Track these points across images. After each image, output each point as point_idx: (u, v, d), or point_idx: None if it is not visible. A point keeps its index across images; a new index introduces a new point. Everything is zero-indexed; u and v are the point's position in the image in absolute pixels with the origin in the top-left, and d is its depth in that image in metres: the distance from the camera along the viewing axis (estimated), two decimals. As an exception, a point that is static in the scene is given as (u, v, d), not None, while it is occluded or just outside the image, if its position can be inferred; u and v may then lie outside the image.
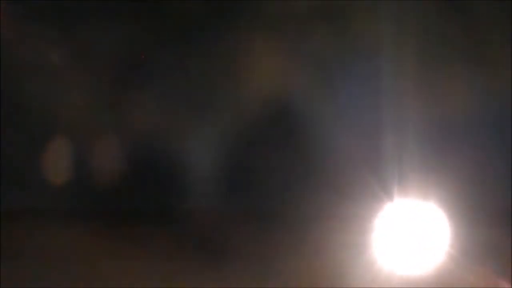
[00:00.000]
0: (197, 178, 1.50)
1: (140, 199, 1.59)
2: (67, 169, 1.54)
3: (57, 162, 1.55)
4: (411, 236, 1.17)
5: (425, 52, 1.32)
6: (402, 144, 1.23)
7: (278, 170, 1.37)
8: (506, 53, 1.26)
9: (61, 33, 1.69)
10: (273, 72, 1.47)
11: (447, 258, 1.16)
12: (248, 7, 1.48)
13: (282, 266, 1.33)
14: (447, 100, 1.29)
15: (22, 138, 1.58)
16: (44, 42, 1.75)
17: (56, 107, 1.65)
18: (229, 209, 1.42)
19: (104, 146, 1.68)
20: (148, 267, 1.60)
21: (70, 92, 1.71)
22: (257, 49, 1.48)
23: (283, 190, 1.35)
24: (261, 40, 1.47)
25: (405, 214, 1.17)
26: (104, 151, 1.67)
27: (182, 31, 1.55)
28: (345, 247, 1.21)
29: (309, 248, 1.24)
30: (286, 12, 1.45)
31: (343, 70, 1.39)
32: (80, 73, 1.72)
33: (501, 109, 1.26)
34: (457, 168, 1.18)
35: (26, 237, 1.68)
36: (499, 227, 1.18)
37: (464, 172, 1.19)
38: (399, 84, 1.25)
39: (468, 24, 1.39)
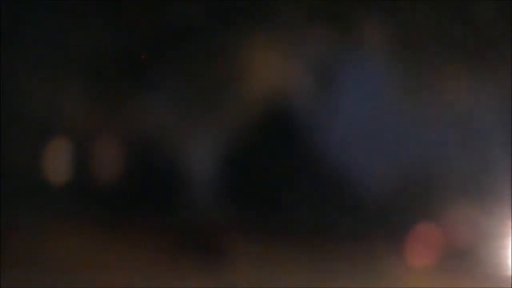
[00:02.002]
0: (202, 182, 1.50)
1: (140, 202, 1.59)
2: (67, 171, 1.55)
3: (57, 164, 1.55)
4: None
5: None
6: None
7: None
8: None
9: (60, 31, 1.69)
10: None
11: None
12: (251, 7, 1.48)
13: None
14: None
15: (21, 139, 1.59)
16: (43, 41, 1.76)
17: (56, 108, 1.65)
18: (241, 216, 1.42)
19: (105, 148, 1.69)
20: (151, 270, 1.60)
21: (70, 93, 1.72)
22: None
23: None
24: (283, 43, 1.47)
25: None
26: (105, 153, 1.67)
27: (182, 31, 1.55)
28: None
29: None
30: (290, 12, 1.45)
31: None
32: (79, 73, 1.73)
33: None
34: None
35: (26, 240, 1.68)
36: None
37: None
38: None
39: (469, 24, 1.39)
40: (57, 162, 1.56)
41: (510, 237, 1.20)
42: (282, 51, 1.51)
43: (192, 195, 1.50)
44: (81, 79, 1.65)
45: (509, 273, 1.16)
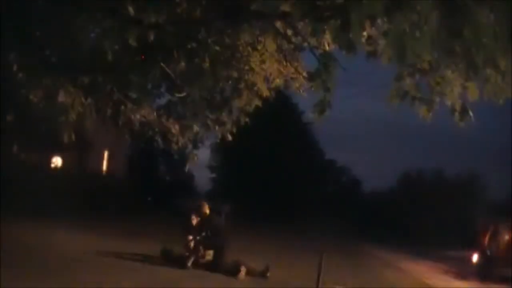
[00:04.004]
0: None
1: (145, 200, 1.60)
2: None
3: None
4: None
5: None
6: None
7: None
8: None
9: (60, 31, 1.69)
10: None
11: None
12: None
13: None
14: None
15: (22, 140, 1.59)
16: (42, 42, 1.76)
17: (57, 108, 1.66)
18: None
19: (106, 147, 1.69)
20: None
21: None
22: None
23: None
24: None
25: None
26: (106, 152, 1.68)
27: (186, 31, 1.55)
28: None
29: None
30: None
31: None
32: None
33: None
34: None
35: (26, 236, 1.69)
36: None
37: None
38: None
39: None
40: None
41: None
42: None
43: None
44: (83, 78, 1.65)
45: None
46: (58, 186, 11.26)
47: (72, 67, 3.65)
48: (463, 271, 11.05)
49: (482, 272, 10.59)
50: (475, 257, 11.50)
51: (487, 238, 11.31)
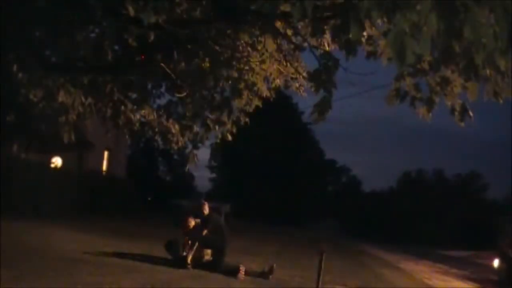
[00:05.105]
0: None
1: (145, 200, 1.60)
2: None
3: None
4: None
5: None
6: None
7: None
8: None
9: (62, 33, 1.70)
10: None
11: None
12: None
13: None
14: None
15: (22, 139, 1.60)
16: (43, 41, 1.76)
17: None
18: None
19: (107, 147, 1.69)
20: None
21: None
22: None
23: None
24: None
25: None
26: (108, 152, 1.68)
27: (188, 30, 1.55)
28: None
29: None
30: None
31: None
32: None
33: None
34: None
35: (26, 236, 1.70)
36: None
37: None
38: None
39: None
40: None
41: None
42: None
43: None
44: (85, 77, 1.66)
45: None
46: (58, 186, 11.29)
47: (72, 67, 3.66)
48: (479, 275, 10.72)
49: (505, 277, 9.84)
50: (496, 262, 10.71)
51: (509, 241, 10.39)
